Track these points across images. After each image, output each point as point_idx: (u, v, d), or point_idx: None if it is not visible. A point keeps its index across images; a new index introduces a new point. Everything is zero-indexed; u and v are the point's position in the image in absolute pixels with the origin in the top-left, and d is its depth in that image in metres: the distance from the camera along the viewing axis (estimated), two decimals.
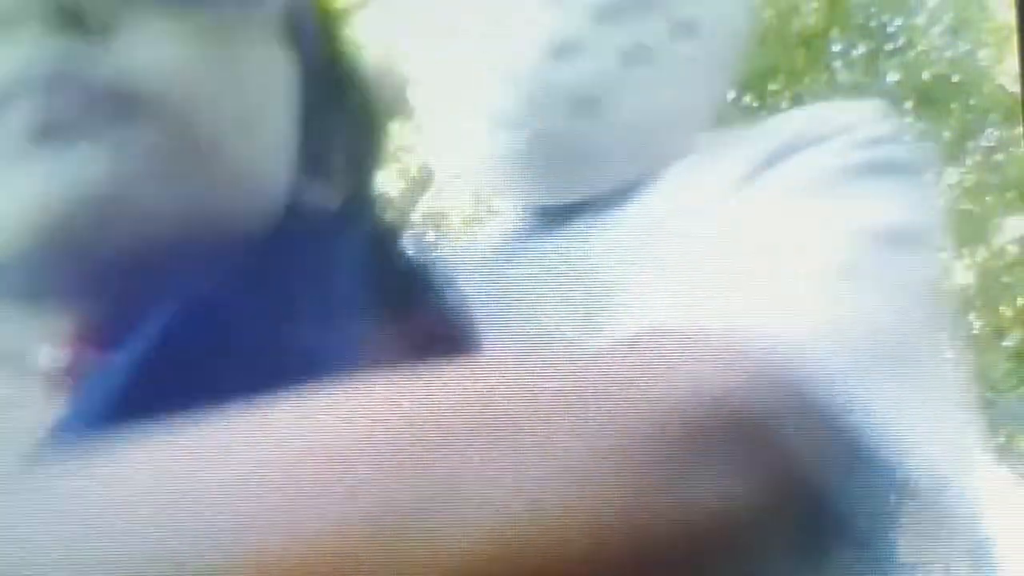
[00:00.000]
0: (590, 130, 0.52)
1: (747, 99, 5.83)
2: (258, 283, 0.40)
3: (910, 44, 6.10)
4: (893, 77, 6.07)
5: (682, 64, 0.53)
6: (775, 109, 5.67)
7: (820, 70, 6.00)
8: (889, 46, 6.11)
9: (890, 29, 6.16)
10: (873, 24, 6.20)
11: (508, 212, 0.59)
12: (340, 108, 0.45)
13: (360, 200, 0.46)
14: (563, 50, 0.51)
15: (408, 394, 0.33)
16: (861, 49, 6.16)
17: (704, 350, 0.38)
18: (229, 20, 0.40)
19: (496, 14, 0.52)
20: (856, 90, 5.74)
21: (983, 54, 6.01)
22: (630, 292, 0.47)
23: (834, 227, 0.45)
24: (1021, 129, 6.08)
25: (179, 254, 0.38)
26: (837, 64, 6.08)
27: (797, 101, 5.79)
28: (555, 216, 0.52)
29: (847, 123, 0.50)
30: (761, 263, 0.43)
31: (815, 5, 6.01)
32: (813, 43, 6.04)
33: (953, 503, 0.42)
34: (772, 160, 0.48)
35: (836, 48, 6.19)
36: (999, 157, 6.00)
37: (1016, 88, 5.72)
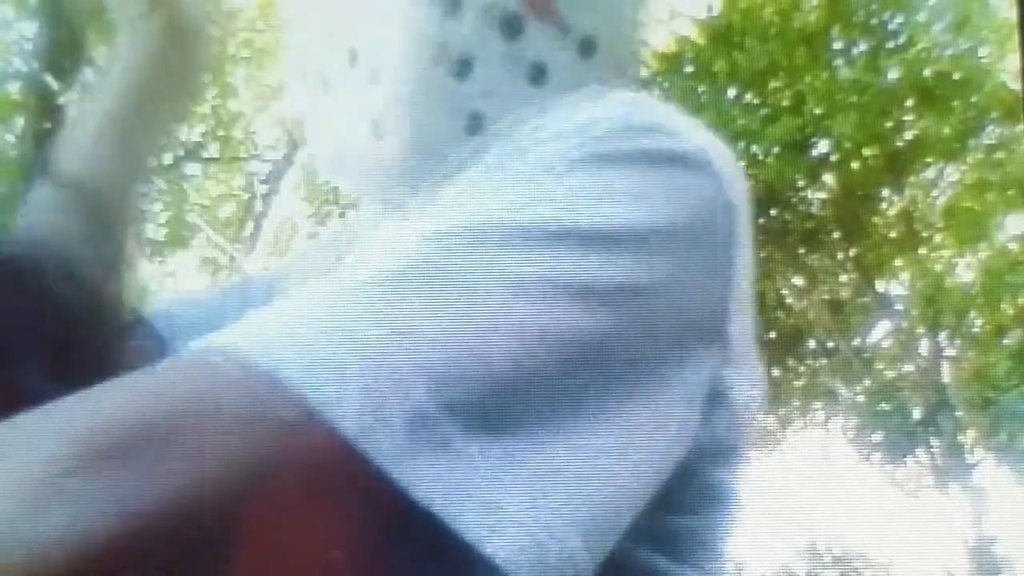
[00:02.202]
0: (470, 146, 0.50)
1: (748, 97, 5.83)
2: None
3: (911, 42, 6.10)
4: (894, 75, 6.07)
5: (578, 83, 0.50)
6: (776, 107, 5.66)
7: (821, 68, 6.00)
8: (890, 44, 6.11)
9: (891, 27, 6.15)
10: (874, 22, 6.19)
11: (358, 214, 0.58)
12: None
13: None
14: (462, 63, 0.49)
15: None
16: (862, 47, 6.15)
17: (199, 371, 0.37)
18: None
19: (391, 21, 0.51)
20: (856, 87, 5.73)
21: (984, 51, 6.00)
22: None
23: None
24: (1022, 127, 6.06)
25: None
26: (838, 62, 6.07)
27: (798, 99, 5.79)
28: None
29: (587, 119, 0.45)
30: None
31: (816, 2, 6.01)
32: (814, 41, 6.04)
33: None
34: (496, 163, 0.46)
35: (837, 46, 6.19)
36: (1000, 155, 6.00)
37: (1017, 86, 5.68)
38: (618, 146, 0.43)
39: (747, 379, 0.46)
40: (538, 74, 0.51)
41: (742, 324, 0.45)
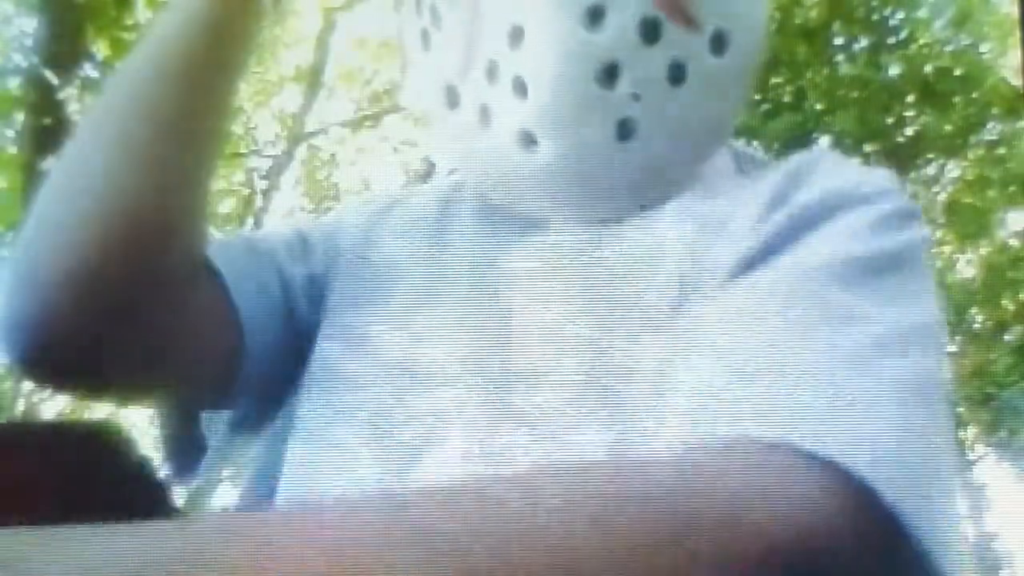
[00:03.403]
0: (623, 153, 0.52)
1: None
2: None
3: (912, 38, 6.08)
4: (895, 70, 6.07)
5: (714, 80, 0.53)
6: (777, 102, 5.66)
7: (822, 63, 5.99)
8: (891, 39, 6.10)
9: (892, 22, 6.14)
10: (875, 18, 6.18)
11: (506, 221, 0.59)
12: None
13: None
14: (608, 71, 0.51)
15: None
16: (863, 42, 6.15)
17: (792, 467, 0.39)
18: None
19: (534, 34, 0.52)
20: (857, 83, 5.72)
21: (986, 47, 6.00)
22: (671, 389, 0.47)
23: (869, 329, 0.47)
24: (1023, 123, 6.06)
25: None
26: (839, 58, 6.07)
27: (799, 95, 5.79)
28: (568, 232, 0.53)
29: (863, 195, 0.53)
30: (803, 367, 0.44)
31: None
32: (815, 36, 6.03)
33: None
34: (786, 233, 0.51)
35: (838, 41, 6.18)
36: (1001, 151, 6.00)
37: (1018, 82, 5.66)
38: (909, 224, 0.53)
39: None
40: (678, 74, 0.53)
41: None
